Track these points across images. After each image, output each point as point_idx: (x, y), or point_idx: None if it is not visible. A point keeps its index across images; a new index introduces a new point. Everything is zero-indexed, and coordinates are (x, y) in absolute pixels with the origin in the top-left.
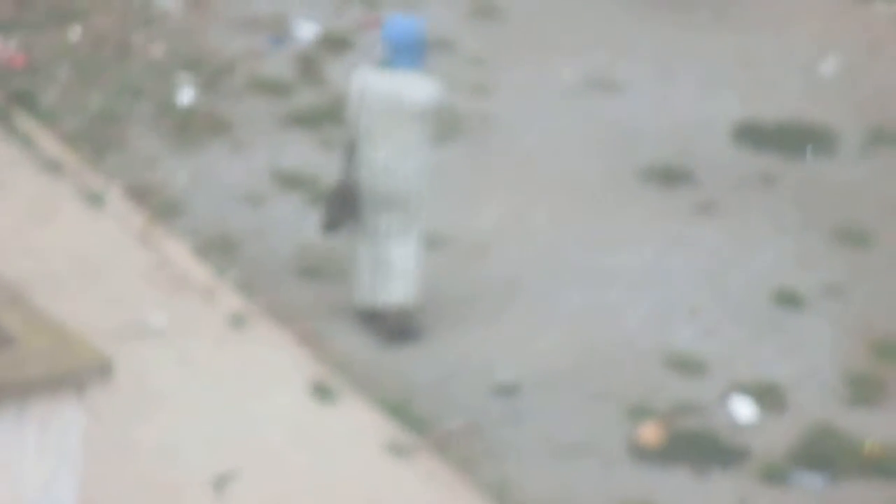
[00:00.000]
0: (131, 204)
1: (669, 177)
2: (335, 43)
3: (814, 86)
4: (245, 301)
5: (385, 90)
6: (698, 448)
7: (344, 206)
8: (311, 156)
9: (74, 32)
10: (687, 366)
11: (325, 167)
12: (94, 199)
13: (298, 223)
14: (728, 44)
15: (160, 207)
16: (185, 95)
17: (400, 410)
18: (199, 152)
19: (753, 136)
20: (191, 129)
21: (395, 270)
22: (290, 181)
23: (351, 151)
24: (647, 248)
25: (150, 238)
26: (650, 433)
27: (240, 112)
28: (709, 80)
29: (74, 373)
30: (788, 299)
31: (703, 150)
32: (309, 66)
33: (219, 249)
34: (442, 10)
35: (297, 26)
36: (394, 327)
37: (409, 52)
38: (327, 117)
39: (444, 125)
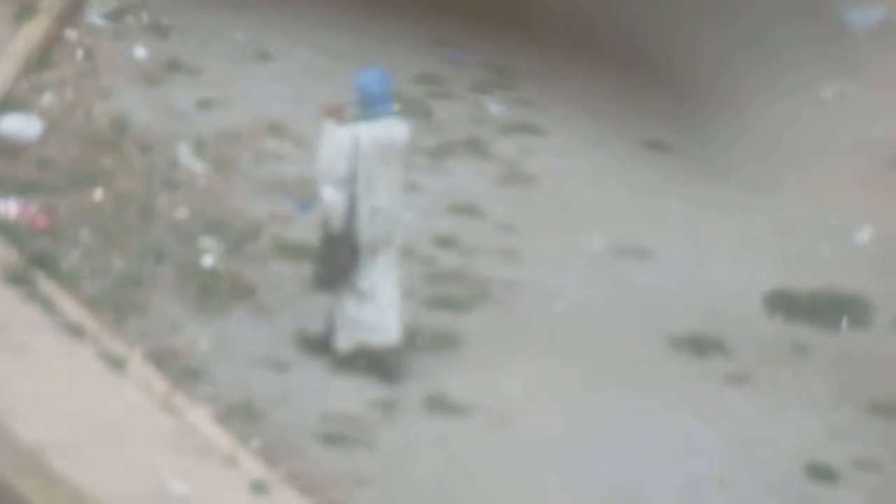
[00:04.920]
0: (153, 369)
1: (700, 345)
2: None
3: (848, 255)
4: (267, 468)
5: (378, 136)
6: None
7: (350, 256)
8: None
9: (97, 194)
10: None
11: None
12: (116, 364)
13: (322, 390)
14: (761, 212)
15: (182, 372)
16: (209, 259)
17: None
18: (223, 317)
19: (786, 305)
20: (214, 293)
21: (386, 309)
22: (314, 347)
23: (350, 205)
24: (678, 417)
25: (172, 404)
26: None
27: (265, 276)
28: (741, 247)
29: None
30: (821, 472)
31: (734, 319)
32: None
33: (241, 415)
34: (471, 175)
35: (324, 190)
36: (391, 367)
37: (384, 99)
38: None
39: (472, 291)
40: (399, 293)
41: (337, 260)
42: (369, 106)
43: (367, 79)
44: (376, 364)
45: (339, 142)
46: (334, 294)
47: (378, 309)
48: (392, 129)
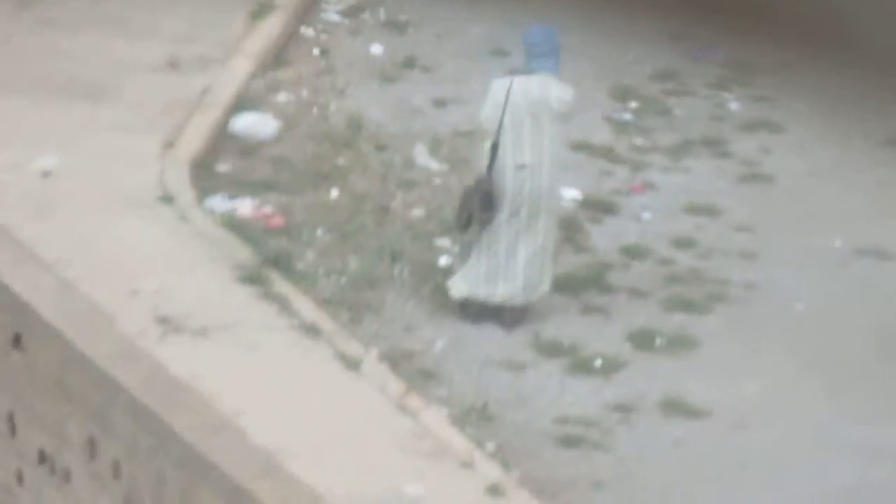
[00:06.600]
0: (388, 370)
1: None
2: (598, 207)
3: None
4: (503, 471)
5: (530, 93)
6: None
7: (482, 205)
8: (573, 323)
9: (332, 193)
10: None
11: (586, 335)
12: (351, 365)
13: (558, 392)
14: None
15: (417, 374)
16: (445, 259)
17: None
18: (458, 318)
19: None
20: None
21: (519, 270)
22: (551, 349)
23: (492, 154)
24: None
25: (408, 405)
26: None
27: None
28: None
29: None
30: None
31: None
32: (572, 231)
33: (477, 417)
34: (710, 176)
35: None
36: (513, 319)
37: (549, 57)
38: (590, 283)
39: (709, 292)
40: (541, 259)
41: (470, 203)
42: (528, 59)
43: (529, 31)
44: (490, 312)
45: (493, 92)
46: (467, 238)
47: (498, 266)
48: (550, 89)
